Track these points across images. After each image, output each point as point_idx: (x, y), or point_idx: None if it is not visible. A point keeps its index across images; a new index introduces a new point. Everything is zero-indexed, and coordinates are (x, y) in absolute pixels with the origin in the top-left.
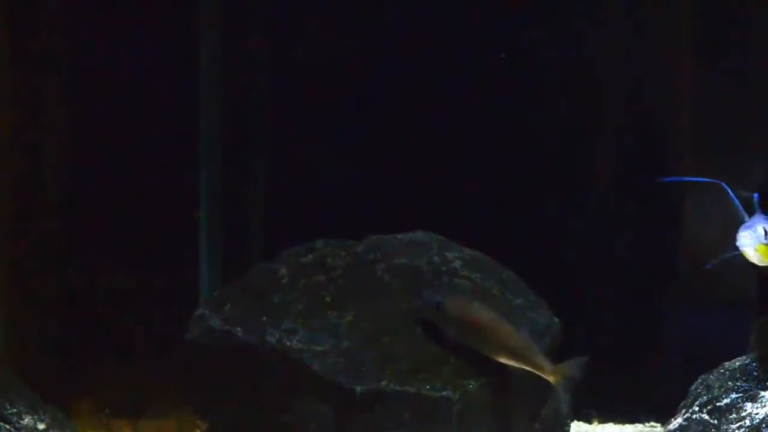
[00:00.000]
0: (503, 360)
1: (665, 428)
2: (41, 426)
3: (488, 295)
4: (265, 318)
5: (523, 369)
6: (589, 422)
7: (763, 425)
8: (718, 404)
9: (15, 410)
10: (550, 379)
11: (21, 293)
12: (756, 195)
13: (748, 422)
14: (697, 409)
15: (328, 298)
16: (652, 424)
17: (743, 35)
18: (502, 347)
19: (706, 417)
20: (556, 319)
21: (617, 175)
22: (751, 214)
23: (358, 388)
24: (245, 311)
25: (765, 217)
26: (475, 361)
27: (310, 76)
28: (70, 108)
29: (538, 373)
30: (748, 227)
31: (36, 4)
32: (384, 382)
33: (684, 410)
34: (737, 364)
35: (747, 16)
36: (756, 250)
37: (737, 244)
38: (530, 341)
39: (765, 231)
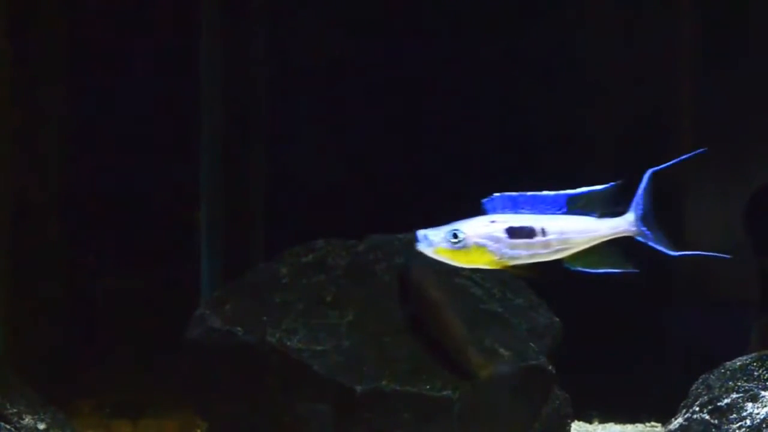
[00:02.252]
0: (442, 342)
1: (666, 428)
2: (42, 426)
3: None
4: (265, 318)
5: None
6: (590, 422)
7: (764, 425)
8: (718, 404)
9: (15, 410)
10: (479, 372)
11: (22, 294)
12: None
13: (748, 422)
14: (697, 409)
15: (328, 298)
16: (653, 423)
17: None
18: (441, 327)
19: (707, 417)
20: (557, 319)
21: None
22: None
23: (359, 388)
24: (245, 311)
25: (485, 217)
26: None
27: (310, 76)
28: (70, 108)
29: (467, 366)
30: (442, 227)
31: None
32: (384, 382)
33: (685, 410)
34: (738, 363)
35: None
36: (435, 251)
37: (416, 243)
38: (467, 332)
39: (455, 234)
